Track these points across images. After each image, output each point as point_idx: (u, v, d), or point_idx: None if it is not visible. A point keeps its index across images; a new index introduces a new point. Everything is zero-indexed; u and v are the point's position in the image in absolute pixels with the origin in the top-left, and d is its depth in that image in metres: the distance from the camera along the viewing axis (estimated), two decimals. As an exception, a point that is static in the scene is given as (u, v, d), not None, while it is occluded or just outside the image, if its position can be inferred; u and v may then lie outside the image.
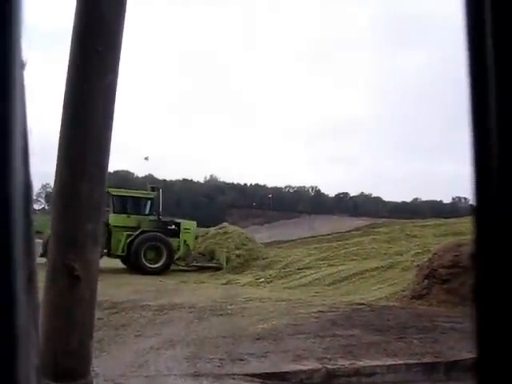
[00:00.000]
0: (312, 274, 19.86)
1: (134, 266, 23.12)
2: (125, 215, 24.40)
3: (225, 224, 28.42)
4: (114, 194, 24.32)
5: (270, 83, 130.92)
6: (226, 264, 23.91)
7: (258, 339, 9.12)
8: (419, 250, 19.95)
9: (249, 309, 12.19)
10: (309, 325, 10.09)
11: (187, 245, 24.79)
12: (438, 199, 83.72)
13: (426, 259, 14.10)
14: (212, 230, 27.27)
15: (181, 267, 24.33)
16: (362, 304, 12.01)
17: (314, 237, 28.98)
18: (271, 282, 19.79)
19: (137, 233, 23.70)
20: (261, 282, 19.72)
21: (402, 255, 20.78)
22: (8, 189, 0.71)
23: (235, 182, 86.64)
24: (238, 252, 24.67)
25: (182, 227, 24.89)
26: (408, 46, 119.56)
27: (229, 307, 12.40)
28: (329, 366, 7.67)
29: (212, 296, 14.66)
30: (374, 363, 7.81)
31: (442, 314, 10.68)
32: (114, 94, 3.70)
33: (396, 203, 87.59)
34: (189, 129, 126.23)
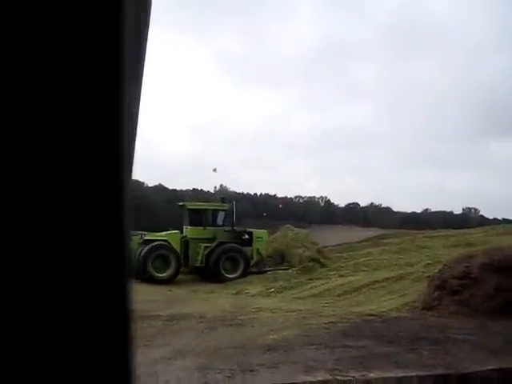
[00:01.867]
0: (322, 284, 19.83)
1: (212, 276, 23.94)
2: (201, 227, 25.53)
3: (288, 225, 29.14)
4: (189, 207, 26.28)
5: (280, 91, 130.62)
6: (299, 265, 24.34)
7: (268, 350, 9.10)
8: (430, 261, 19.90)
9: (259, 319, 12.17)
10: (319, 336, 10.06)
11: (260, 253, 25.73)
12: (449, 210, 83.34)
13: (436, 270, 14.05)
14: (277, 233, 28.07)
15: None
16: (373, 315, 11.95)
17: (325, 247, 28.97)
18: (281, 292, 19.76)
19: (214, 244, 24.74)
20: (271, 292, 19.71)
21: (412, 266, 20.71)
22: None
23: (245, 192, 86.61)
24: (308, 253, 25.15)
25: (254, 236, 25.98)
26: (419, 57, 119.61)
27: (239, 317, 12.38)
28: (340, 378, 7.64)
29: (222, 306, 14.66)
30: (385, 375, 7.78)
31: (453, 326, 10.61)
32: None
33: (406, 214, 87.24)
34: (199, 139, 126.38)
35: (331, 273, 22.38)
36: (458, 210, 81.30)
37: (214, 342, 9.88)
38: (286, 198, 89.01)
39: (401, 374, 7.77)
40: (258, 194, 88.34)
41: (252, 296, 19.01)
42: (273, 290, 20.18)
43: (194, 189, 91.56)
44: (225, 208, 26.47)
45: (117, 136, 0.74)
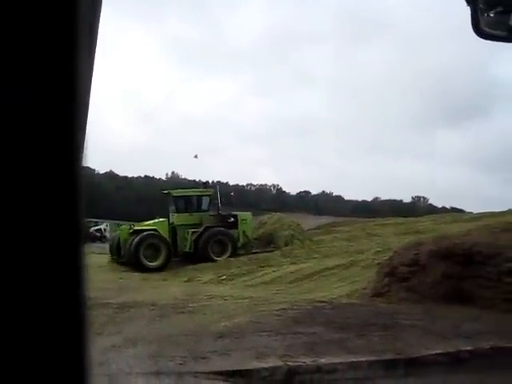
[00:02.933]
0: (274, 271, 19.91)
1: (201, 259, 24.21)
2: (187, 214, 26.21)
3: (275, 214, 30.29)
4: (175, 195, 26.90)
5: (231, 78, 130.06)
6: (285, 247, 25.18)
7: (220, 337, 9.11)
8: (380, 249, 20.17)
9: (211, 306, 12.17)
10: (271, 322, 10.11)
11: (246, 235, 26.31)
12: (399, 198, 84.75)
13: (386, 257, 14.26)
14: (264, 217, 29.31)
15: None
16: (324, 302, 12.07)
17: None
18: (233, 279, 19.78)
19: (202, 229, 25.34)
20: (223, 280, 19.71)
21: (362, 253, 20.96)
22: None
23: (197, 179, 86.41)
24: (293, 234, 26.39)
25: (239, 219, 26.57)
26: (370, 44, 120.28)
27: (191, 305, 12.35)
28: (291, 364, 7.71)
29: (174, 294, 14.60)
30: (336, 360, 7.88)
31: (402, 312, 10.79)
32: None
33: (357, 202, 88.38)
34: (150, 126, 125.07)
35: (283, 260, 22.50)
36: (407, 199, 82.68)
37: (166, 330, 9.83)
38: (237, 185, 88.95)
39: (351, 360, 7.89)
40: (210, 181, 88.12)
41: (204, 283, 18.99)
42: (224, 277, 20.19)
43: (145, 176, 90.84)
44: (209, 193, 27.22)
45: (70, 122, 0.72)
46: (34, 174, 0.70)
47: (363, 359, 7.93)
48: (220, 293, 14.81)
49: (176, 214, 26.27)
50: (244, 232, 26.32)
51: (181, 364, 7.61)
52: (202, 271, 22.13)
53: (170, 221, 26.28)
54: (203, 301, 13.10)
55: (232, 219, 26.51)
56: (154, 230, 25.38)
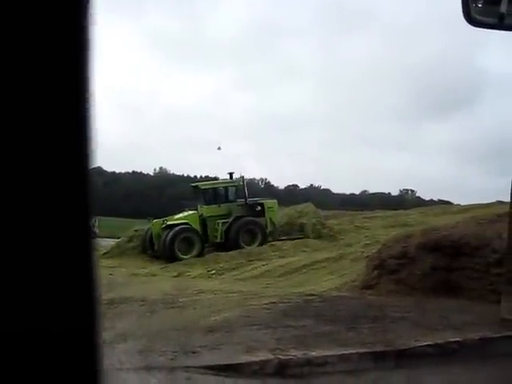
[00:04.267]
0: (263, 265, 19.95)
1: (232, 249, 24.68)
2: (216, 205, 27.03)
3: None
4: (203, 187, 27.72)
5: (216, 72, 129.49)
6: (312, 233, 26.12)
7: (210, 331, 9.12)
8: (368, 241, 20.26)
9: (200, 301, 12.17)
10: (261, 316, 10.13)
11: (273, 222, 27.03)
12: (386, 191, 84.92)
13: (375, 250, 14.33)
14: (286, 209, 29.74)
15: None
16: (313, 295, 12.10)
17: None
18: (222, 273, 19.81)
19: (231, 219, 26.24)
20: (212, 274, 19.74)
21: (351, 246, 21.06)
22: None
23: (185, 175, 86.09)
24: (320, 223, 27.23)
25: (266, 207, 27.35)
26: (355, 37, 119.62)
27: (180, 300, 12.35)
28: (281, 357, 7.73)
29: (163, 289, 14.59)
30: (326, 353, 7.91)
31: (391, 304, 10.85)
32: None
33: (345, 195, 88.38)
34: (135, 121, 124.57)
35: (272, 254, 22.55)
36: (395, 192, 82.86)
37: (156, 325, 9.83)
38: (226, 180, 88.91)
39: (342, 352, 7.93)
40: (198, 176, 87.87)
41: (193, 278, 19.01)
42: (214, 271, 20.23)
43: (133, 171, 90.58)
44: (236, 184, 27.91)
45: (80, 122, 0.73)
46: (45, 173, 0.70)
47: (353, 351, 7.97)
48: (209, 287, 14.81)
49: (205, 206, 26.98)
50: (271, 219, 27.01)
51: (171, 359, 7.61)
52: (191, 266, 22.14)
53: (199, 213, 26.93)
54: (193, 295, 13.10)
55: (259, 208, 27.32)
56: (186, 223, 26.25)
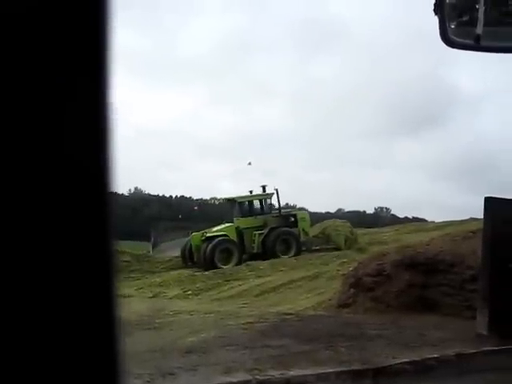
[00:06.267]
0: (240, 285, 19.89)
1: (269, 258, 25.44)
2: (252, 217, 28.27)
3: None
4: (239, 201, 29.02)
5: (186, 91, 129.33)
6: (345, 244, 27.15)
7: (187, 352, 9.04)
8: (345, 260, 20.32)
9: (177, 322, 12.08)
10: (238, 336, 10.08)
11: (306, 232, 28.00)
12: (362, 210, 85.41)
13: (351, 268, 14.37)
14: (317, 225, 30.95)
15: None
16: (291, 314, 12.09)
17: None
18: (199, 294, 19.70)
19: (267, 230, 27.22)
20: (188, 295, 19.61)
21: (327, 265, 21.10)
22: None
23: (160, 194, 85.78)
24: (352, 235, 28.38)
25: (298, 217, 28.45)
26: (329, 54, 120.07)
27: (157, 321, 12.24)
28: (259, 377, 7.69)
29: (139, 310, 14.44)
30: (304, 372, 7.89)
31: (368, 322, 10.88)
32: None
33: (321, 214, 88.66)
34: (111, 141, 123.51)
35: (248, 273, 22.50)
36: (370, 210, 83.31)
37: (132, 347, 9.71)
38: (201, 199, 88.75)
39: (319, 371, 7.91)
40: (174, 196, 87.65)
41: (169, 299, 18.84)
42: (190, 292, 20.10)
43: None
44: (269, 196, 29.17)
45: (101, 138, 0.74)
46: (67, 191, 0.70)
47: (331, 370, 7.96)
48: (186, 308, 14.71)
49: (241, 218, 28.13)
50: (303, 229, 27.94)
51: (148, 381, 7.53)
52: (167, 287, 21.98)
53: (236, 225, 27.97)
54: (169, 316, 13.00)
55: (292, 218, 28.44)
56: (225, 235, 27.25)
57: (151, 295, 20.10)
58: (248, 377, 7.70)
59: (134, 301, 17.99)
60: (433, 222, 35.04)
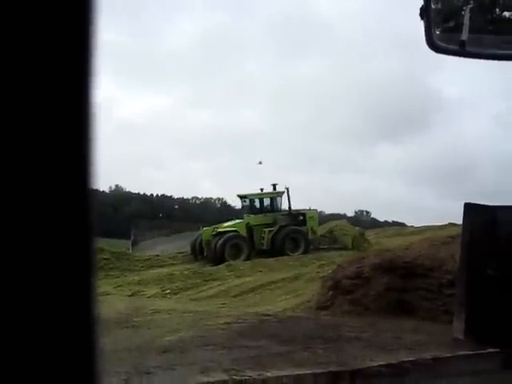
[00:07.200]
0: (219, 285, 19.88)
1: (278, 256, 26.07)
2: (262, 214, 29.15)
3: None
4: (251, 198, 29.94)
5: (167, 90, 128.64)
6: (352, 245, 27.66)
7: (164, 352, 9.00)
8: (324, 262, 20.39)
9: (155, 321, 12.03)
10: (216, 336, 10.06)
11: (314, 231, 29.13)
12: (342, 212, 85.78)
13: (330, 271, 14.41)
14: (324, 224, 32.14)
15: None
16: (269, 315, 12.10)
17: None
18: (178, 293, 19.65)
19: (277, 228, 28.13)
20: (167, 294, 19.56)
21: (307, 267, 21.16)
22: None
23: (141, 193, 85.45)
24: (357, 235, 28.96)
25: (307, 216, 29.42)
26: (307, 53, 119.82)
27: (135, 319, 12.18)
28: (236, 377, 7.68)
29: (117, 308, 14.36)
30: (282, 373, 7.89)
31: (345, 324, 10.91)
32: None
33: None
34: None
35: (227, 273, 22.49)
36: (350, 213, 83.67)
37: (109, 345, 9.65)
38: (182, 198, 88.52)
39: (297, 373, 7.92)
40: (154, 194, 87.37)
41: (148, 297, 18.78)
42: (169, 291, 20.06)
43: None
44: (279, 194, 29.97)
45: (81, 135, 0.73)
46: (46, 186, 0.70)
47: (309, 372, 7.97)
48: (165, 307, 14.66)
49: (252, 215, 29.28)
50: (312, 228, 29.06)
51: (125, 380, 7.48)
52: (146, 285, 21.90)
53: (246, 221, 29.14)
54: (147, 315, 12.94)
55: (301, 217, 29.37)
56: (235, 230, 28.31)
57: (130, 293, 20.00)
58: (225, 377, 7.68)
59: (113, 299, 17.91)
60: (412, 226, 35.27)
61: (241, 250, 27.33)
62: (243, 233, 28.28)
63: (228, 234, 27.65)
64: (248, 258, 26.72)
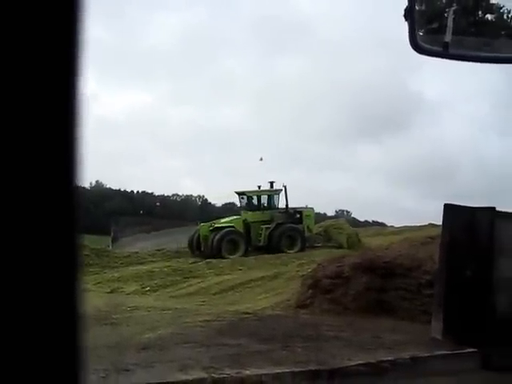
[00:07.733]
0: (198, 283, 19.83)
1: (274, 252, 26.17)
2: (260, 211, 29.19)
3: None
4: (249, 195, 30.05)
5: (148, 87, 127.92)
6: (347, 243, 27.59)
7: (143, 349, 8.97)
8: (304, 261, 20.42)
9: (134, 318, 11.98)
10: (195, 334, 10.05)
11: (310, 229, 29.09)
12: (322, 212, 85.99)
13: (310, 270, 14.44)
14: (322, 223, 32.26)
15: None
16: (248, 313, 12.10)
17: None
18: (157, 290, 19.57)
19: (274, 225, 28.14)
20: (147, 291, 19.48)
21: (287, 265, 21.18)
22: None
23: (122, 189, 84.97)
24: (352, 234, 29.18)
25: (303, 214, 29.39)
26: (289, 52, 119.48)
27: (114, 316, 12.11)
28: (215, 375, 7.67)
29: (96, 305, 14.27)
30: (260, 372, 7.90)
31: (325, 323, 10.95)
32: None
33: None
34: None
35: (207, 271, 22.45)
36: (331, 212, 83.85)
37: (88, 342, 9.58)
38: (163, 195, 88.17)
39: (276, 371, 7.93)
40: (135, 191, 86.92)
41: (127, 294, 18.69)
42: (148, 288, 19.97)
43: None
44: (277, 192, 29.92)
45: (67, 134, 0.73)
46: (32, 185, 0.69)
47: (288, 370, 7.98)
48: (144, 304, 14.60)
49: (249, 212, 29.26)
50: (308, 226, 29.02)
51: (103, 377, 7.44)
52: (125, 282, 21.79)
53: (243, 218, 29.14)
54: (127, 312, 12.88)
55: (298, 215, 29.30)
56: (232, 226, 28.28)
57: (109, 290, 19.88)
58: (204, 375, 7.67)
59: (92, 295, 17.79)
60: (392, 226, 35.50)
61: (238, 246, 27.57)
62: (240, 229, 28.47)
63: (225, 230, 27.90)
64: (245, 253, 27.03)
